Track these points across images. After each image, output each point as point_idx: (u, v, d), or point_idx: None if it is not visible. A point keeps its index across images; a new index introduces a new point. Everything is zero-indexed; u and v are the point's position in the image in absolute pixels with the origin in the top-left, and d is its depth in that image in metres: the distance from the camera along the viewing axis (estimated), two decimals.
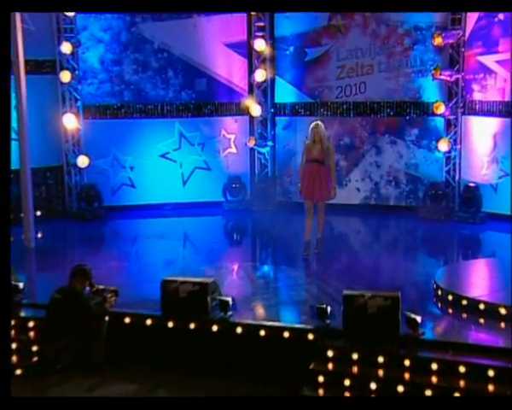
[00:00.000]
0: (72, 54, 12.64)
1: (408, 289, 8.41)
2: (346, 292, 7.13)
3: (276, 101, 13.42)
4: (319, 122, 9.81)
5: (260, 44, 13.00)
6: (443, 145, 12.46)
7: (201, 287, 7.59)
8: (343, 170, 13.21)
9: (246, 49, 13.24)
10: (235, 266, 10.05)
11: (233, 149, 13.59)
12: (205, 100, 13.31)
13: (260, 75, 13.12)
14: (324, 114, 13.04)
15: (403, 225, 12.26)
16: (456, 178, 12.58)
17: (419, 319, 6.94)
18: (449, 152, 12.52)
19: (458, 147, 12.53)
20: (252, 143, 13.34)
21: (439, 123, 12.62)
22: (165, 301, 7.71)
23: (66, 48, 12.47)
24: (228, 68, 13.29)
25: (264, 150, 13.47)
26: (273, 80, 13.34)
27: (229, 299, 7.65)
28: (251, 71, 13.25)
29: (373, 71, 12.80)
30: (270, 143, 13.45)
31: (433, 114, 12.46)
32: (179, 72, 13.23)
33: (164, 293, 7.72)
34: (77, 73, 12.78)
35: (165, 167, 13.40)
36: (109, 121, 13.06)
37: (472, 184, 12.27)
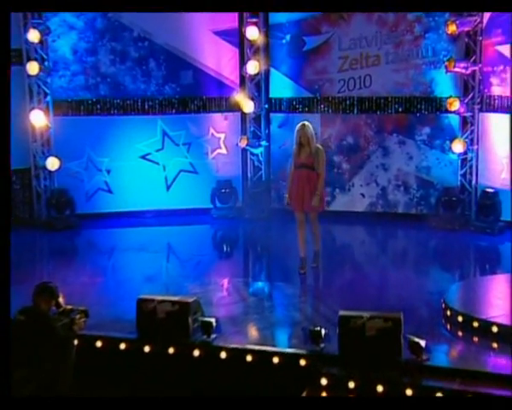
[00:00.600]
0: (41, 42, 12.69)
1: (415, 309, 8.52)
2: (341, 313, 7.19)
3: (271, 96, 13.52)
4: (306, 122, 9.86)
5: (253, 32, 13.08)
6: (458, 146, 12.53)
7: (182, 307, 7.65)
8: (346, 173, 13.36)
9: (237, 38, 13.35)
10: (225, 282, 10.17)
11: (223, 150, 13.69)
12: (191, 94, 13.42)
13: (253, 67, 13.22)
14: (325, 111, 13.21)
15: (413, 235, 12.37)
16: (473, 182, 12.66)
17: (423, 343, 6.99)
18: (464, 153, 12.59)
19: (475, 148, 12.60)
20: (243, 144, 13.42)
21: (454, 121, 12.70)
22: (142, 323, 7.77)
23: (33, 36, 12.51)
24: (217, 59, 13.41)
25: (258, 151, 13.56)
26: (267, 73, 13.46)
27: (213, 320, 7.72)
28: (242, 62, 13.37)
29: (379, 62, 12.90)
30: (264, 143, 13.56)
31: (447, 111, 12.54)
32: (162, 63, 13.34)
33: (140, 313, 7.78)
34: (46, 64, 12.83)
35: (146, 170, 13.52)
36: (83, 118, 13.14)
37: (490, 190, 12.31)
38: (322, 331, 7.29)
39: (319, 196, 9.69)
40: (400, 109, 12.91)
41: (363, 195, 13.35)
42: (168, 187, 13.65)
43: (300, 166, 9.74)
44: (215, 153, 13.70)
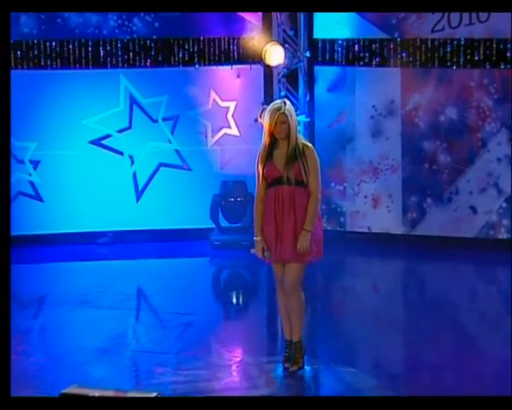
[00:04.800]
0: None
1: None
2: None
3: (316, 36, 13.89)
4: (286, 105, 8.94)
5: None
6: None
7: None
8: (445, 172, 13.65)
9: None
10: (233, 364, 9.71)
11: (232, 130, 14.04)
12: (177, 34, 13.73)
13: None
14: (409, 63, 13.45)
15: None
16: None
17: None
18: None
19: None
20: None
21: None
22: None
23: None
24: None
25: None
26: None
27: None
28: None
29: None
30: (302, 119, 13.67)
31: None
32: None
33: None
34: None
35: (101, 164, 13.86)
36: None
37: None
38: None
39: (307, 233, 8.88)
40: None
41: (473, 209, 13.45)
42: (139, 193, 13.90)
43: (276, 182, 9.07)
44: (219, 135, 13.94)
